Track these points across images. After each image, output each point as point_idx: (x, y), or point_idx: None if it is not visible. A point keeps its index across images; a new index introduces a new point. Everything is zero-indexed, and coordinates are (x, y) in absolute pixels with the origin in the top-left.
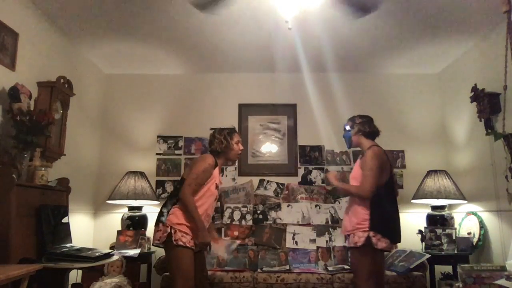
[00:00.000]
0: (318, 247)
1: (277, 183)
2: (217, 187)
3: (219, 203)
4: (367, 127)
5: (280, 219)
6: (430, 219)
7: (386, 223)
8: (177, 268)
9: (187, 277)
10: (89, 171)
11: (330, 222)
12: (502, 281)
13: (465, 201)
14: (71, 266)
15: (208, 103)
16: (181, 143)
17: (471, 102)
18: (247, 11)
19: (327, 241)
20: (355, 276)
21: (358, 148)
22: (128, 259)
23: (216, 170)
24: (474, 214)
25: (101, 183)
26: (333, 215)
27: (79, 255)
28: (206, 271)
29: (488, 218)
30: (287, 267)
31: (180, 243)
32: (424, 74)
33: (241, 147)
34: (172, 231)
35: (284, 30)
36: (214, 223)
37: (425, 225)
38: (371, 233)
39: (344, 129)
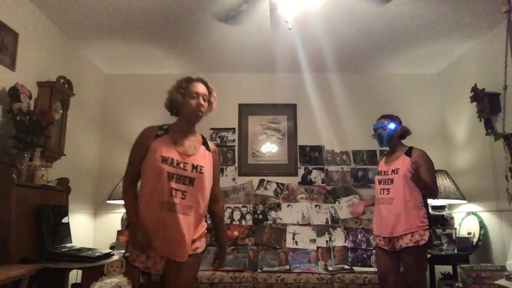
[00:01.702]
0: (318, 247)
1: (277, 183)
2: (167, 161)
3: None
4: (405, 127)
5: (280, 219)
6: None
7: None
8: None
9: None
10: (89, 171)
11: (330, 222)
12: (502, 281)
13: (465, 201)
14: (71, 266)
15: None
16: None
17: (471, 102)
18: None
19: (327, 241)
20: (412, 274)
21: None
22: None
23: (161, 141)
24: (474, 214)
25: (101, 183)
26: (333, 215)
27: (79, 255)
28: None
29: (488, 218)
30: (287, 267)
31: (130, 261)
32: (424, 74)
33: (199, 102)
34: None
35: (284, 30)
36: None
37: None
38: (431, 231)
39: (383, 127)
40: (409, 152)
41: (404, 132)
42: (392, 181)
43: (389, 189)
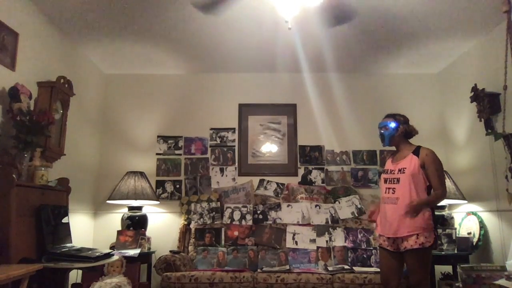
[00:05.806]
0: (318, 247)
1: (277, 183)
2: None
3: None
4: (411, 127)
5: (280, 219)
6: (435, 221)
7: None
8: None
9: None
10: (89, 171)
11: (330, 222)
12: (502, 281)
13: (465, 201)
14: (71, 266)
15: (208, 103)
16: (181, 143)
17: (471, 102)
18: (247, 11)
19: (327, 241)
20: (416, 276)
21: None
22: (128, 259)
23: None
24: (474, 214)
25: (101, 183)
26: (333, 215)
27: (79, 255)
28: None
29: (488, 218)
30: (287, 267)
31: None
32: (424, 74)
33: None
34: None
35: (284, 30)
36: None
37: None
38: (436, 233)
39: (385, 126)
40: (416, 151)
41: (408, 132)
42: (398, 180)
43: (394, 188)
